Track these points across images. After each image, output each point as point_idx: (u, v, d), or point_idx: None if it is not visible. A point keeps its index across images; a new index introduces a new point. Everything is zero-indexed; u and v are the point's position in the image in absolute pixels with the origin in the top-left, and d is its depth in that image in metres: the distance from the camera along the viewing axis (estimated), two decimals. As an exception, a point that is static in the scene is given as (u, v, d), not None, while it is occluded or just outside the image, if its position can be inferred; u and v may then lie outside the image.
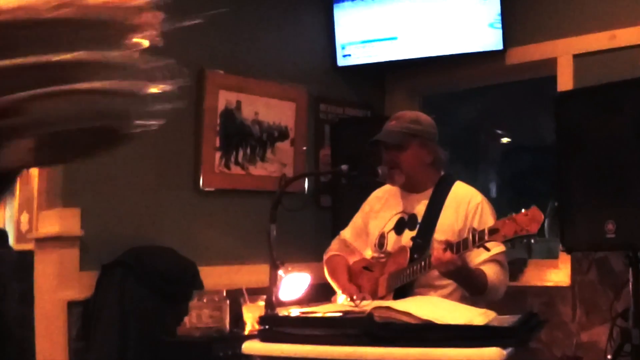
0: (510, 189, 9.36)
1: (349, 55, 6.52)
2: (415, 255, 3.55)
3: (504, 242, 3.43)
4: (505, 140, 9.74)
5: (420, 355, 2.63)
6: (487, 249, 3.25)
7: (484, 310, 2.99)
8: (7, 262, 7.26)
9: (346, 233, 4.14)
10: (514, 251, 3.75)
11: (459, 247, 3.22)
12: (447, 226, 3.60)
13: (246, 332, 4.54)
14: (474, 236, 3.16)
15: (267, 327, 3.07)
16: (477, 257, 3.50)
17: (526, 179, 8.96)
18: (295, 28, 6.36)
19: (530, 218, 2.98)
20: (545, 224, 8.39)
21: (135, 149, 5.13)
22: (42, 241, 5.01)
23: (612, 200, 4.81)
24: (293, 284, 4.15)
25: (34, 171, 8.59)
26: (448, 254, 3.20)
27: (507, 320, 2.88)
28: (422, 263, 3.44)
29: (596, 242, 4.92)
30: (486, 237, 3.12)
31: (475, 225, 3.46)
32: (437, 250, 3.25)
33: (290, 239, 3.87)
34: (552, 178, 5.29)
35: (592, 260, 5.48)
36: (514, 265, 5.03)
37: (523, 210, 3.01)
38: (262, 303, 4.42)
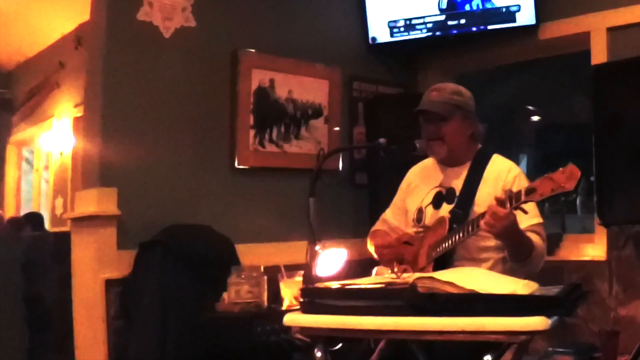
0: (544, 167, 9.34)
1: (382, 33, 6.50)
2: (455, 225, 3.52)
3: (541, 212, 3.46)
4: (538, 118, 9.69)
5: (465, 325, 2.61)
6: (525, 211, 3.21)
7: (526, 281, 2.96)
8: (45, 245, 7.31)
9: (387, 213, 4.12)
10: (549, 226, 3.71)
11: (504, 203, 3.17)
12: (486, 198, 3.56)
13: (284, 308, 4.54)
14: (510, 197, 3.12)
15: (308, 299, 3.06)
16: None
17: (560, 157, 8.93)
18: (328, 6, 6.36)
19: (568, 175, 2.93)
20: (578, 201, 8.39)
21: (171, 128, 5.18)
22: (79, 221, 5.04)
23: (651, 174, 4.78)
24: (330, 259, 4.12)
25: (67, 157, 8.70)
26: (502, 209, 3.16)
27: (551, 290, 2.85)
28: (462, 231, 3.41)
29: (634, 215, 4.89)
30: (523, 197, 3.08)
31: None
32: (492, 207, 3.19)
33: (326, 216, 3.84)
34: (586, 156, 5.25)
35: (629, 235, 5.44)
36: (550, 240, 4.99)
37: (560, 169, 2.97)
38: (299, 279, 4.43)
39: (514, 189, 3.40)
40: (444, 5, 6.24)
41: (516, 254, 3.45)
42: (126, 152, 5.00)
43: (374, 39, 6.51)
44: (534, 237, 3.48)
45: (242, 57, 5.60)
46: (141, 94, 5.10)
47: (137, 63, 5.10)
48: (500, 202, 3.16)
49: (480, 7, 6.12)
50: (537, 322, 2.52)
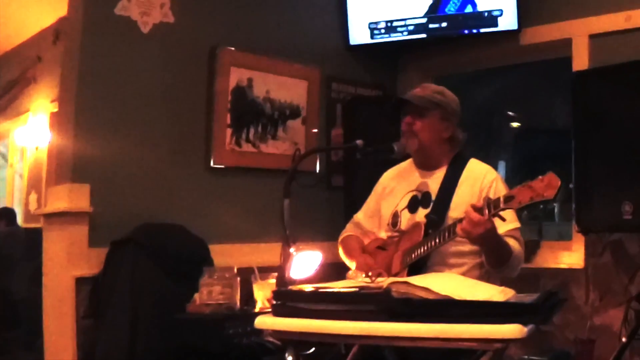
0: (523, 172, 9.32)
1: (362, 34, 6.47)
2: (430, 231, 3.48)
3: (519, 216, 3.43)
4: (517, 123, 9.69)
5: (440, 332, 2.56)
6: (503, 219, 3.17)
7: (502, 288, 2.93)
8: (16, 240, 7.25)
9: (359, 215, 4.08)
10: (526, 233, 3.68)
11: (482, 210, 3.14)
12: (462, 203, 3.52)
13: (256, 310, 4.49)
14: (489, 204, 3.08)
15: (280, 301, 3.01)
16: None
17: (538, 162, 8.93)
18: (308, 6, 6.33)
19: (547, 184, 2.89)
20: (556, 209, 8.37)
21: (146, 125, 5.13)
22: (51, 217, 4.98)
23: (630, 181, 4.77)
24: (304, 262, 4.08)
25: (42, 152, 8.63)
26: (479, 215, 3.12)
27: (526, 298, 2.81)
28: (438, 237, 3.37)
29: (613, 223, 4.88)
30: (501, 205, 3.04)
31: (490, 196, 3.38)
32: (469, 213, 3.15)
33: (302, 218, 3.80)
34: (564, 161, 5.24)
35: (607, 243, 5.43)
36: (527, 247, 4.96)
37: (539, 177, 2.93)
38: (272, 281, 4.38)
39: (492, 194, 3.38)
40: (425, 8, 6.20)
41: (494, 259, 3.42)
42: (100, 148, 4.94)
43: (353, 39, 6.48)
44: (512, 242, 3.45)
45: (221, 54, 5.54)
46: (117, 89, 5.04)
47: (114, 58, 5.03)
48: (477, 208, 3.12)
49: (463, 10, 6.08)
50: (512, 330, 2.48)
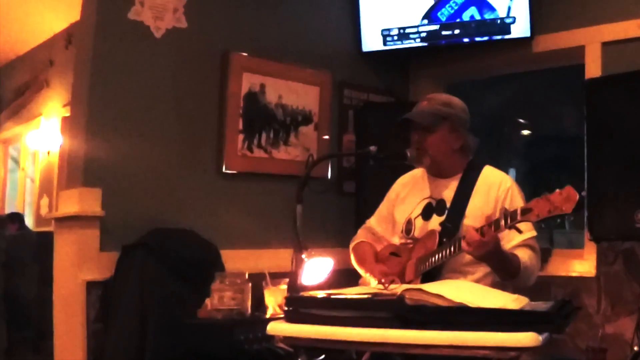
0: (533, 179, 9.29)
1: (374, 41, 6.46)
2: (445, 240, 3.46)
3: (534, 224, 3.42)
4: (528, 131, 9.66)
5: (453, 339, 2.55)
6: (519, 231, 3.15)
7: (516, 295, 2.92)
8: (27, 243, 7.25)
9: (372, 221, 4.06)
10: (537, 241, 3.66)
11: (491, 228, 3.13)
12: (477, 210, 3.52)
13: (267, 316, 4.48)
14: (505, 217, 3.07)
15: (292, 307, 3.00)
16: (509, 242, 3.43)
17: (549, 169, 8.89)
18: (320, 12, 6.32)
19: (565, 197, 2.88)
20: (566, 217, 8.35)
21: (158, 130, 5.13)
22: (62, 221, 4.99)
23: (643, 190, 4.74)
24: (316, 268, 4.08)
25: (54, 156, 8.63)
26: (479, 236, 3.12)
27: (540, 306, 2.80)
28: (452, 247, 3.35)
29: (625, 231, 4.86)
30: (519, 217, 3.02)
31: (506, 207, 3.37)
32: (468, 232, 3.16)
33: (313, 224, 3.80)
34: (575, 170, 5.23)
35: (619, 251, 5.40)
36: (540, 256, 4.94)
37: (557, 190, 2.92)
38: (284, 287, 4.37)
39: (507, 204, 3.37)
40: (439, 15, 6.20)
41: (502, 274, 3.41)
42: (111, 153, 4.94)
43: (366, 46, 6.47)
44: (527, 252, 3.44)
45: (233, 59, 5.54)
46: (129, 94, 5.04)
47: (126, 63, 5.03)
48: (480, 228, 3.12)
49: (475, 18, 6.07)
50: (527, 338, 2.48)
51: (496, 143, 9.11)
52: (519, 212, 3.02)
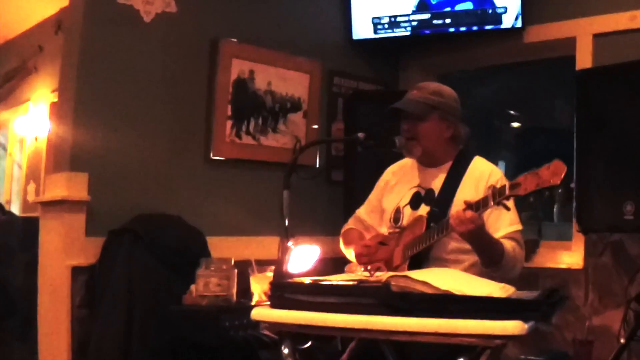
0: (523, 171, 9.23)
1: (365, 29, 6.43)
2: (432, 225, 3.45)
3: (521, 219, 3.45)
4: (518, 123, 9.66)
5: (439, 327, 2.53)
6: (507, 208, 3.14)
7: (503, 284, 2.90)
8: (13, 230, 7.19)
9: (361, 210, 4.06)
10: (525, 232, 3.65)
11: (479, 205, 3.12)
12: (465, 199, 3.50)
13: (253, 303, 4.46)
14: (494, 193, 3.06)
15: (278, 293, 2.98)
16: (495, 233, 3.42)
17: (539, 161, 8.84)
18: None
19: (552, 171, 2.89)
20: (555, 208, 8.34)
21: (146, 115, 5.10)
22: (48, 205, 4.95)
23: (632, 181, 4.73)
24: (302, 256, 4.05)
25: (42, 142, 8.59)
26: (468, 212, 3.11)
27: (527, 295, 2.79)
28: (440, 228, 3.34)
29: (614, 223, 4.85)
30: (507, 192, 3.02)
31: None
32: (457, 210, 3.15)
33: (301, 212, 3.79)
34: (565, 161, 5.21)
35: (607, 243, 5.40)
36: (526, 246, 4.94)
37: (545, 165, 2.92)
38: (270, 274, 4.35)
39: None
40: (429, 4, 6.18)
41: (486, 258, 3.40)
42: (99, 138, 4.91)
43: (356, 34, 6.45)
44: (511, 243, 3.44)
45: (223, 46, 5.51)
46: (117, 78, 5.00)
47: (115, 47, 5.00)
48: (468, 205, 3.11)
49: (467, 7, 6.05)
50: (513, 327, 2.46)
51: (486, 135, 9.09)
52: (507, 186, 3.02)
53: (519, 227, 3.53)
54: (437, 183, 3.70)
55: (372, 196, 4.04)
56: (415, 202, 3.71)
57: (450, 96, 3.77)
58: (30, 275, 5.20)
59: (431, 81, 4.66)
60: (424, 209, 3.64)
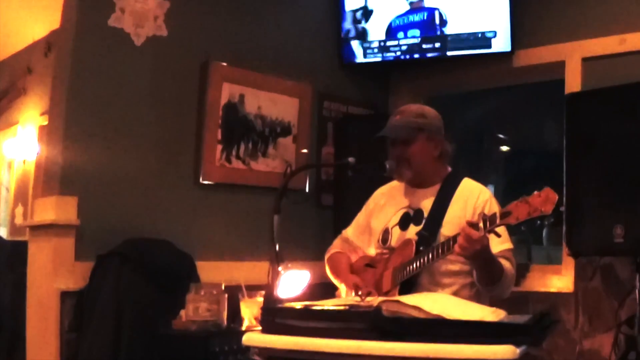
0: (512, 194, 9.24)
1: (354, 53, 6.45)
2: (422, 248, 3.45)
3: (511, 238, 3.47)
4: (507, 147, 9.66)
5: (430, 351, 2.52)
6: (498, 235, 3.14)
7: (494, 308, 2.90)
8: (1, 250, 7.17)
9: (349, 231, 4.05)
10: (515, 256, 3.66)
11: (485, 223, 3.11)
12: (455, 219, 3.51)
13: (243, 328, 4.44)
14: (485, 220, 3.06)
15: (268, 318, 2.97)
16: None
17: (528, 184, 8.86)
18: (302, 23, 6.31)
19: (544, 199, 2.89)
20: (544, 232, 8.34)
21: (136, 139, 5.09)
22: (37, 229, 4.93)
23: (621, 205, 4.74)
24: (292, 281, 4.04)
25: (30, 165, 8.56)
26: (474, 232, 3.10)
27: (519, 319, 2.78)
28: (438, 249, 3.34)
29: (604, 246, 4.85)
30: (498, 221, 3.02)
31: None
32: (465, 229, 3.12)
33: (290, 237, 3.80)
34: (554, 185, 5.21)
35: (597, 267, 5.40)
36: (516, 270, 4.96)
37: (535, 192, 2.91)
38: (260, 299, 4.34)
39: (486, 211, 3.35)
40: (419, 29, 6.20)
41: (487, 277, 3.39)
42: (89, 161, 4.90)
43: (346, 58, 6.46)
44: (505, 263, 3.42)
45: (213, 69, 5.51)
46: (107, 102, 5.00)
47: (106, 70, 5.00)
48: (472, 225, 3.10)
49: (456, 31, 6.07)
50: (505, 351, 2.45)
51: (475, 158, 9.10)
52: (498, 215, 3.02)
53: (510, 245, 3.53)
54: (426, 204, 3.69)
55: (360, 217, 4.03)
56: (404, 223, 3.71)
57: (434, 116, 3.79)
58: (18, 294, 5.18)
59: (419, 104, 4.67)
60: (413, 230, 3.64)
